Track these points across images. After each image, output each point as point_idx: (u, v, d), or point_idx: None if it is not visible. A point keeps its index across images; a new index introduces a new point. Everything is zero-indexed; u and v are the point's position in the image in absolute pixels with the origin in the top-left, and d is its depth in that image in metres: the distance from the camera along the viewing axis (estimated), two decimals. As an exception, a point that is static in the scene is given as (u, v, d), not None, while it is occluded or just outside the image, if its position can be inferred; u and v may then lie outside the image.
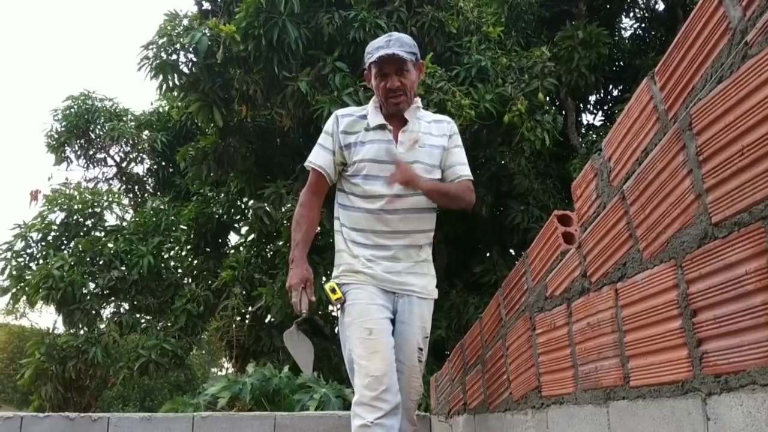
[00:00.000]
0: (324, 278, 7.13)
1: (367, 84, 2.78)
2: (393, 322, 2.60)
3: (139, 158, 12.49)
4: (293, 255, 2.70)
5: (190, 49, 7.49)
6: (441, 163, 2.74)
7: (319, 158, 2.72)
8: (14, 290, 9.15)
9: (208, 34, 7.43)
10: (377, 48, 2.62)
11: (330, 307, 8.09)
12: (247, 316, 9.72)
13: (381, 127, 2.67)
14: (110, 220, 10.55)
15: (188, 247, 10.76)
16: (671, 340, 1.35)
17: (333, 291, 2.61)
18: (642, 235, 1.48)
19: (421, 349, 2.64)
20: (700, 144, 1.25)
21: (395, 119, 2.70)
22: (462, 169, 2.76)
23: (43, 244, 9.80)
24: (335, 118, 2.74)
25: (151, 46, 7.66)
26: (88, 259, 9.34)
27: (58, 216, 9.90)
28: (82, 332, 9.32)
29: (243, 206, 10.77)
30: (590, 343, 1.74)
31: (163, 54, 7.60)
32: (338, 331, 2.69)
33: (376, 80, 2.65)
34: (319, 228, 8.51)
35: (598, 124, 11.75)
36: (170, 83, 7.74)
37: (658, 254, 1.41)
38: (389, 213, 2.63)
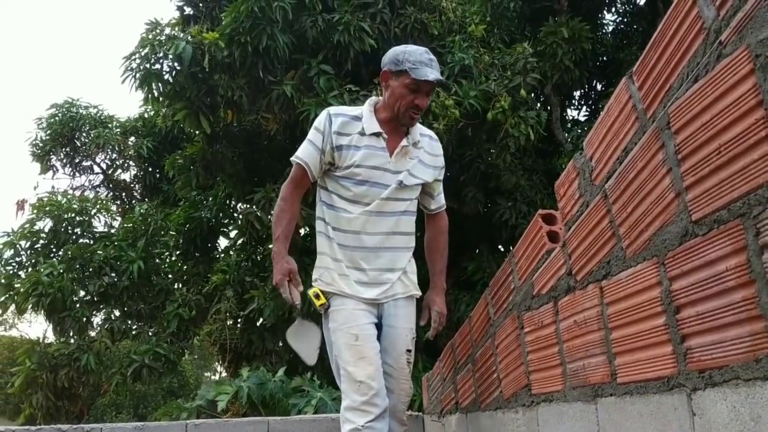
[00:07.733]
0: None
1: (383, 83, 2.67)
2: (379, 325, 2.61)
3: (126, 165, 12.41)
4: (273, 251, 2.68)
5: (175, 58, 7.42)
6: (428, 180, 2.78)
7: (305, 154, 2.67)
8: (3, 298, 9.07)
9: (191, 41, 7.37)
10: (420, 62, 2.54)
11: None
12: (239, 319, 9.69)
13: (376, 134, 2.64)
14: (99, 227, 10.51)
15: (178, 252, 10.72)
16: (656, 337, 1.36)
17: (317, 297, 2.59)
18: (625, 234, 1.49)
19: (409, 351, 2.64)
20: (678, 143, 1.26)
21: (389, 127, 2.67)
22: (442, 197, 2.93)
23: (32, 251, 9.73)
24: (327, 117, 2.66)
25: (134, 57, 7.56)
26: (77, 266, 9.28)
27: (47, 223, 9.84)
28: (73, 340, 9.27)
29: (231, 210, 10.74)
30: (577, 341, 1.75)
31: (146, 64, 7.51)
32: (325, 333, 2.69)
33: (404, 90, 2.56)
34: (308, 229, 8.50)
35: (582, 119, 11.81)
36: (155, 93, 7.68)
37: (640, 252, 1.42)
38: (377, 215, 2.63)
